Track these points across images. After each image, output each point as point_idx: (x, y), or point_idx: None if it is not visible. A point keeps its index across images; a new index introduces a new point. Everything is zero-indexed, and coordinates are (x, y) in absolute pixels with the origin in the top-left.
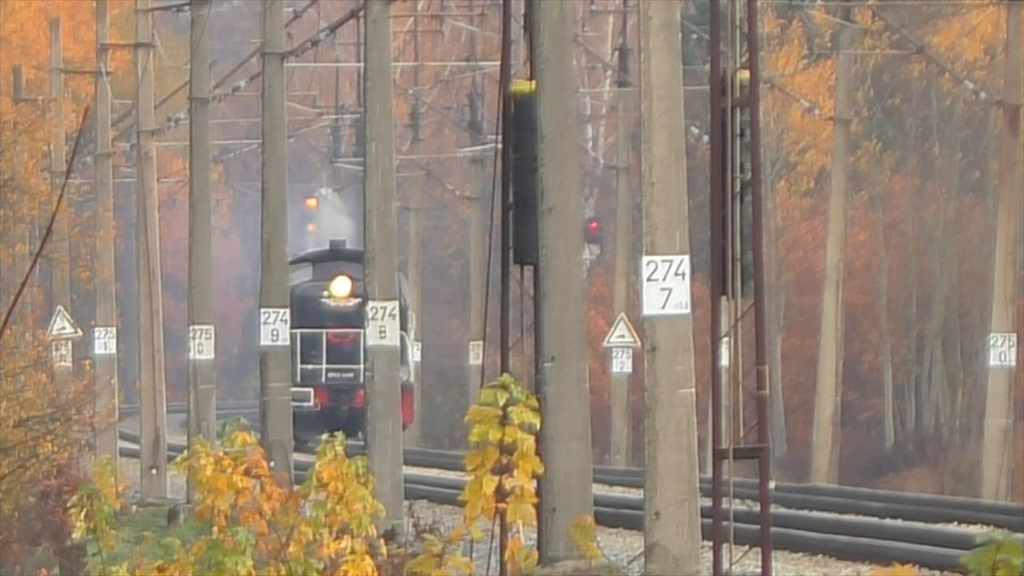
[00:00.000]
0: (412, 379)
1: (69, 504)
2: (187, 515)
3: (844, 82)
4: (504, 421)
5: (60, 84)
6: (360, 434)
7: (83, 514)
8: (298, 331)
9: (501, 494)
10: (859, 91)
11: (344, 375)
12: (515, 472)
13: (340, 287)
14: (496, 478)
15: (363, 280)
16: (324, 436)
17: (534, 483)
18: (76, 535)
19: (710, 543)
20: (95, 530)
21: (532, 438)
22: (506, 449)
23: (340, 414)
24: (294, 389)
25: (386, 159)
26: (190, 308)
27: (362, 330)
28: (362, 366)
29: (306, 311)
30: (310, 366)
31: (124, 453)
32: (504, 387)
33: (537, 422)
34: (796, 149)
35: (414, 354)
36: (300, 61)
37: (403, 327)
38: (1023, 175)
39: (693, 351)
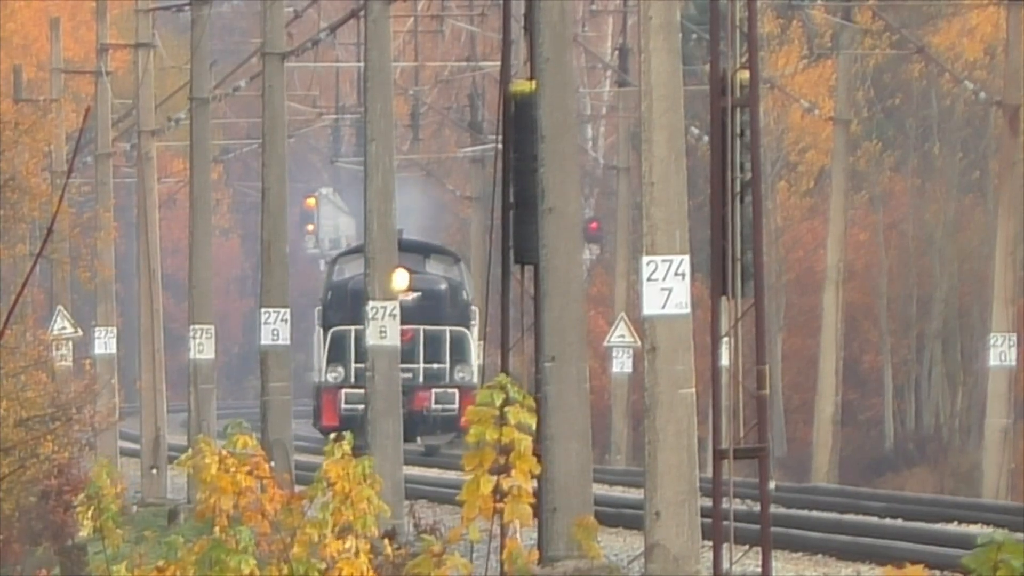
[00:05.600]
0: (475, 380)
1: (76, 503)
2: (187, 515)
3: (844, 82)
4: (501, 421)
5: (60, 84)
6: (418, 439)
7: (89, 513)
8: (351, 328)
9: (499, 494)
10: (859, 91)
11: (402, 375)
12: (513, 472)
13: (398, 280)
14: (494, 478)
15: (422, 273)
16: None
17: (533, 483)
18: (84, 533)
19: (710, 543)
20: (100, 529)
21: (529, 438)
22: (503, 449)
23: None
24: (348, 391)
25: (386, 159)
26: (190, 308)
27: (421, 328)
28: (421, 366)
29: (360, 306)
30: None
31: (124, 453)
32: (501, 387)
33: (534, 422)
34: (796, 149)
35: (478, 354)
36: (300, 61)
37: (464, 323)
38: (1023, 175)
39: (693, 351)
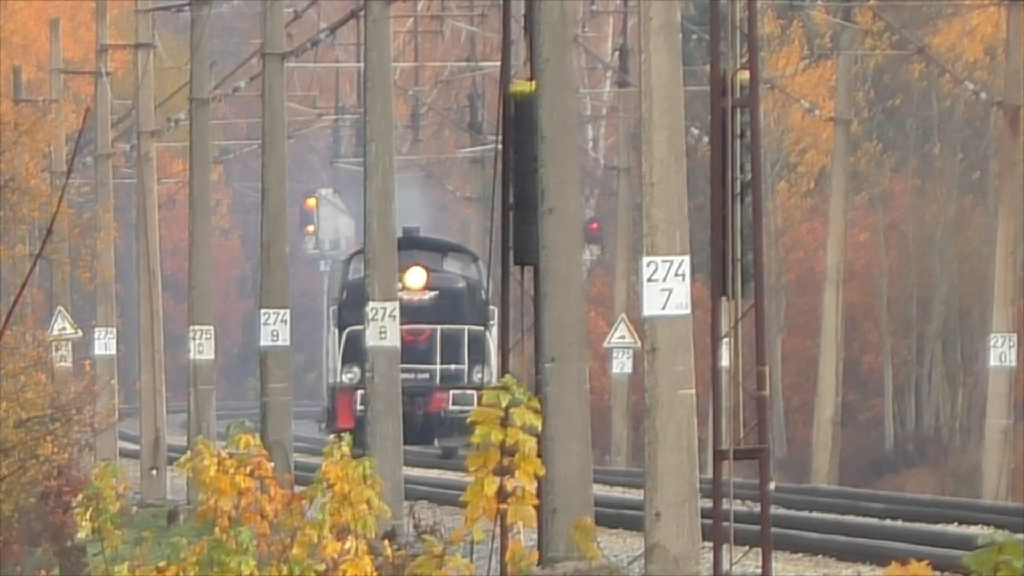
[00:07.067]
0: (495, 381)
1: (74, 504)
2: (187, 516)
3: (844, 83)
4: (506, 422)
5: (60, 85)
6: (435, 442)
7: (88, 514)
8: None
9: (502, 495)
10: (859, 92)
11: (419, 376)
12: (516, 473)
13: (414, 279)
14: (497, 479)
15: (439, 271)
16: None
17: (535, 484)
18: (82, 534)
19: (710, 544)
20: (99, 530)
21: (534, 439)
22: (508, 450)
23: (414, 420)
24: (363, 392)
25: (386, 159)
26: (190, 308)
27: (438, 327)
28: (438, 366)
29: None
30: None
31: (124, 454)
32: (506, 388)
33: (539, 424)
34: (796, 150)
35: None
36: (300, 61)
37: (483, 323)
38: (1023, 176)
39: (693, 352)
